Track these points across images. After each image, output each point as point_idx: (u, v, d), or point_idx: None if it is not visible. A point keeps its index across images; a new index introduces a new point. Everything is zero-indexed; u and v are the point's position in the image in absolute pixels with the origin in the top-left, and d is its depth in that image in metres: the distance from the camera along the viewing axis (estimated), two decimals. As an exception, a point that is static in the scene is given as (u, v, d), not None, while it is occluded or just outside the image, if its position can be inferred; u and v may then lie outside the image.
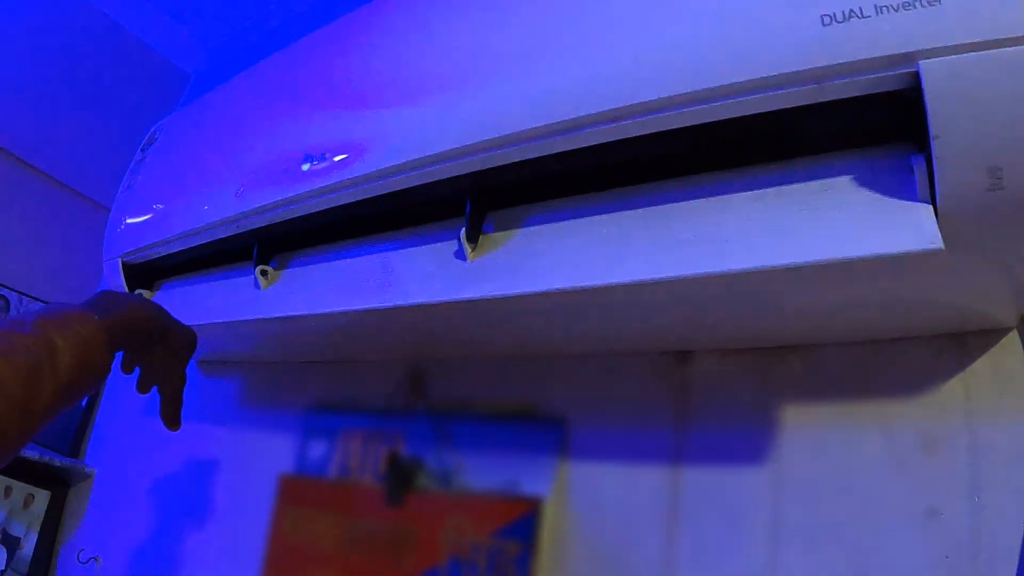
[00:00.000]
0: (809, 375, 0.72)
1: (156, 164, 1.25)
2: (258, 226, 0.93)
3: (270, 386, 1.26)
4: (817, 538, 0.66)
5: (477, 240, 0.70)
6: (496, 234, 0.70)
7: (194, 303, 1.10)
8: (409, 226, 0.80)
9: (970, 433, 0.63)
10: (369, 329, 0.87)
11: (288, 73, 0.97)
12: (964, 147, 0.45)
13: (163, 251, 1.16)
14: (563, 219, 0.67)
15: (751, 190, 0.57)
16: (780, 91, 0.51)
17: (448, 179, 0.70)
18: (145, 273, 1.27)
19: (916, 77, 0.45)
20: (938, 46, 0.44)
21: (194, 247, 1.09)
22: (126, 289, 1.25)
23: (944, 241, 0.46)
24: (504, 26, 0.68)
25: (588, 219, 0.65)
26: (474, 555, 0.83)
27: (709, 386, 0.76)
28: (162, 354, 0.80)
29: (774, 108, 0.52)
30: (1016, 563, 0.58)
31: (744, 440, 0.72)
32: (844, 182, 0.53)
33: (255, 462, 1.19)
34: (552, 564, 0.78)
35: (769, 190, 0.57)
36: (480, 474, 0.87)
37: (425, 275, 0.72)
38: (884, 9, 0.46)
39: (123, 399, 1.62)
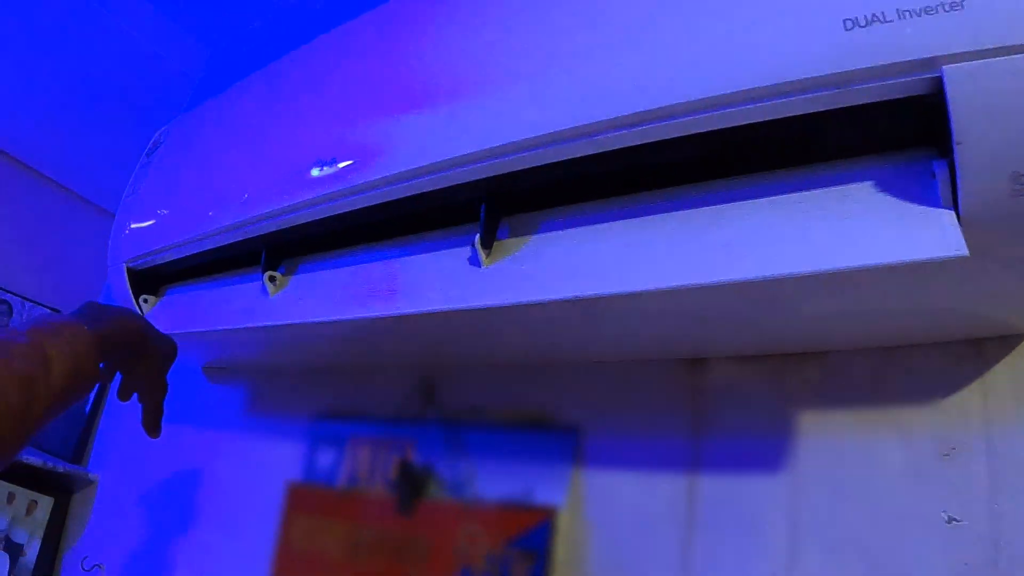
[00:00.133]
0: (826, 382, 0.71)
1: (161, 169, 1.25)
2: (266, 231, 0.92)
3: (277, 393, 1.25)
4: (835, 546, 0.65)
5: (491, 246, 0.70)
6: (511, 240, 0.70)
7: (200, 309, 1.10)
8: (421, 232, 0.80)
9: (988, 440, 0.63)
10: (379, 336, 0.87)
11: (298, 77, 0.97)
12: (988, 153, 0.45)
13: (168, 256, 1.16)
14: (579, 225, 0.66)
15: (771, 196, 0.57)
16: (801, 96, 0.50)
17: (462, 184, 0.70)
18: (150, 279, 1.26)
19: (939, 82, 0.45)
20: (961, 51, 0.44)
21: (200, 252, 1.09)
22: (131, 295, 1.25)
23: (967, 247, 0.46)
24: (521, 29, 0.68)
25: (605, 225, 0.65)
26: (487, 565, 0.82)
27: (725, 393, 0.76)
28: (145, 364, 0.81)
29: (795, 113, 0.52)
30: (1036, 570, 0.58)
31: (761, 447, 0.72)
32: (865, 188, 0.53)
33: (262, 469, 1.18)
34: (567, 574, 0.78)
35: (789, 196, 0.56)
36: (493, 483, 0.87)
37: (438, 282, 0.72)
38: (907, 14, 0.46)
39: (126, 406, 1.61)
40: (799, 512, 0.68)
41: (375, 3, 0.89)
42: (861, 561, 0.64)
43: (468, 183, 0.69)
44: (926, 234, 0.48)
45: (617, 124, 0.58)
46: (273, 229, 0.91)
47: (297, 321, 0.85)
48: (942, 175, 0.48)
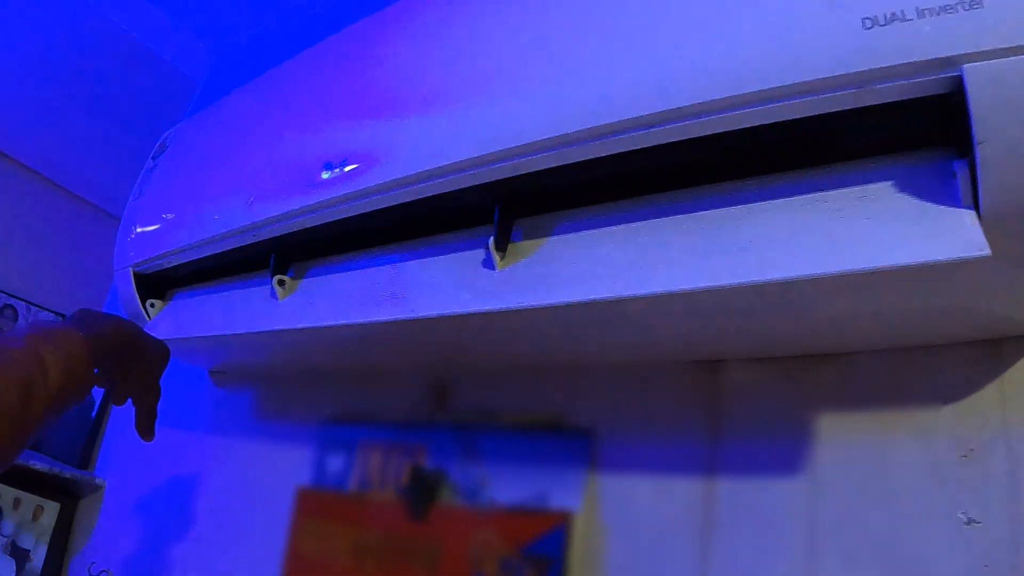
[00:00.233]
0: (843, 383, 0.71)
1: (168, 172, 1.25)
2: (276, 235, 0.93)
3: (286, 397, 1.25)
4: (855, 549, 0.65)
5: (506, 249, 0.70)
6: (525, 243, 0.70)
7: (208, 313, 1.10)
8: (433, 235, 0.80)
9: (1007, 440, 0.62)
10: (390, 340, 0.87)
11: (307, 79, 0.97)
12: (1009, 152, 0.45)
13: (176, 261, 1.16)
14: (594, 227, 0.66)
15: (789, 197, 0.57)
16: (820, 96, 0.50)
17: (476, 186, 0.70)
18: (157, 283, 1.27)
19: (959, 81, 0.45)
20: (982, 50, 0.44)
21: (208, 256, 1.09)
22: (138, 299, 1.25)
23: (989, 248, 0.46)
24: (535, 30, 0.67)
25: (620, 227, 0.65)
26: (501, 571, 0.82)
27: (741, 395, 0.76)
28: (138, 369, 0.83)
29: (813, 113, 0.52)
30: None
31: (778, 450, 0.71)
32: (884, 188, 0.53)
33: (271, 475, 1.18)
34: (583, 579, 0.78)
35: (808, 197, 0.56)
36: (507, 487, 0.87)
37: (451, 285, 0.72)
38: (927, 12, 0.45)
39: (133, 410, 1.61)
40: (817, 515, 0.68)
41: (383, 4, 0.90)
42: (880, 563, 0.64)
43: (482, 185, 0.69)
44: (947, 234, 0.47)
45: (633, 125, 0.58)
46: (282, 233, 0.91)
47: (307, 325, 0.85)
48: (963, 174, 0.48)
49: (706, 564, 0.71)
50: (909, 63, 0.46)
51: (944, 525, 0.62)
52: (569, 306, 0.62)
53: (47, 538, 1.63)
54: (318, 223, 0.85)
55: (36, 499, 1.66)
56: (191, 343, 1.13)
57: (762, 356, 0.76)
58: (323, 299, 0.87)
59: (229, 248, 1.02)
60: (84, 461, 1.72)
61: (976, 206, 0.47)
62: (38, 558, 1.62)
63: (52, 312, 2.02)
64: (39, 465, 1.58)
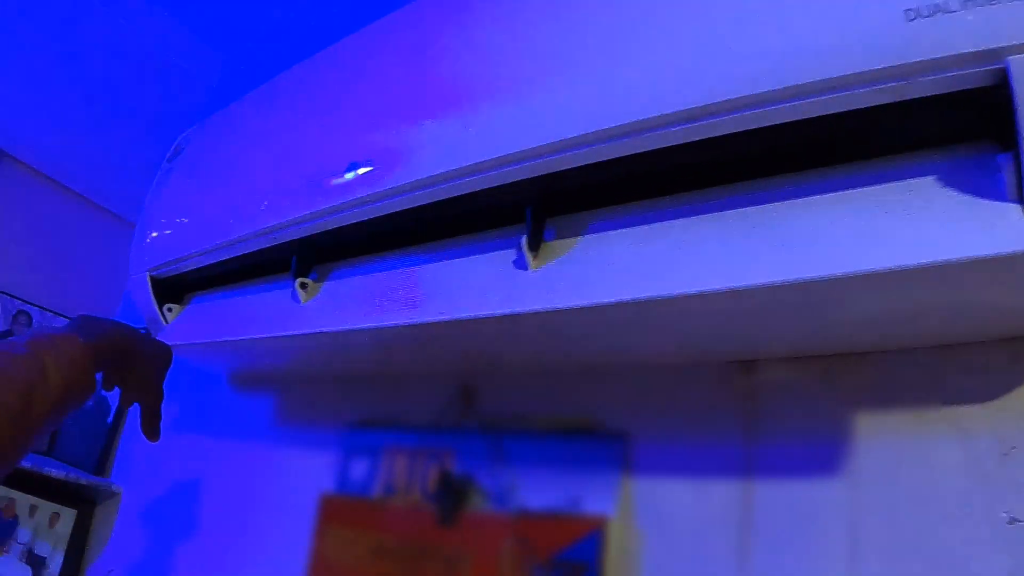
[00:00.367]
0: (881, 382, 0.70)
1: (184, 175, 1.25)
2: (298, 237, 0.93)
3: (306, 402, 1.25)
4: (897, 551, 0.65)
5: (538, 249, 0.70)
6: (558, 242, 0.70)
7: (228, 318, 1.10)
8: (461, 235, 0.80)
9: (1050, 437, 0.62)
10: (417, 343, 0.87)
11: (329, 78, 0.97)
12: (1055, 145, 0.44)
13: (193, 264, 1.16)
14: (629, 225, 0.66)
15: (830, 193, 0.57)
16: (861, 89, 0.50)
17: (507, 185, 0.69)
18: (174, 287, 1.27)
19: (1004, 74, 0.45)
20: (1027, 42, 0.43)
21: (227, 259, 1.09)
22: (155, 303, 1.25)
23: (1035, 242, 0.45)
24: (566, 25, 0.67)
25: (658, 225, 0.64)
26: (536, 577, 0.82)
27: (777, 395, 0.75)
28: (140, 372, 0.86)
29: (854, 107, 0.52)
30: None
31: (816, 451, 0.71)
32: (927, 183, 0.52)
33: (293, 481, 1.18)
34: (620, 585, 0.78)
35: (849, 192, 0.56)
36: (538, 492, 0.86)
37: (482, 287, 0.72)
38: (970, 3, 0.45)
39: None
40: (858, 516, 0.67)
41: (400, 4, 0.90)
42: (922, 564, 0.63)
43: (513, 184, 0.69)
44: (993, 229, 0.47)
45: (670, 121, 0.58)
46: (305, 234, 0.91)
47: (331, 329, 0.85)
48: (1008, 168, 0.47)
49: (745, 568, 0.71)
50: (953, 55, 0.46)
51: (986, 524, 0.62)
52: (607, 307, 0.62)
53: (63, 545, 1.64)
54: (342, 224, 0.85)
55: (52, 506, 1.66)
56: (210, 347, 1.14)
57: (797, 355, 0.76)
58: (348, 302, 0.87)
59: (249, 251, 1.02)
60: (100, 468, 1.73)
61: (1021, 200, 0.47)
62: (55, 565, 1.63)
63: (66, 317, 2.03)
64: (55, 472, 1.59)
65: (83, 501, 1.68)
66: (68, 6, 1.81)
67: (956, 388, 0.66)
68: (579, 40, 0.65)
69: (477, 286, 0.72)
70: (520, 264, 0.70)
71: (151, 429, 0.90)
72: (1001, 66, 0.45)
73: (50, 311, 2.01)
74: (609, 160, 0.64)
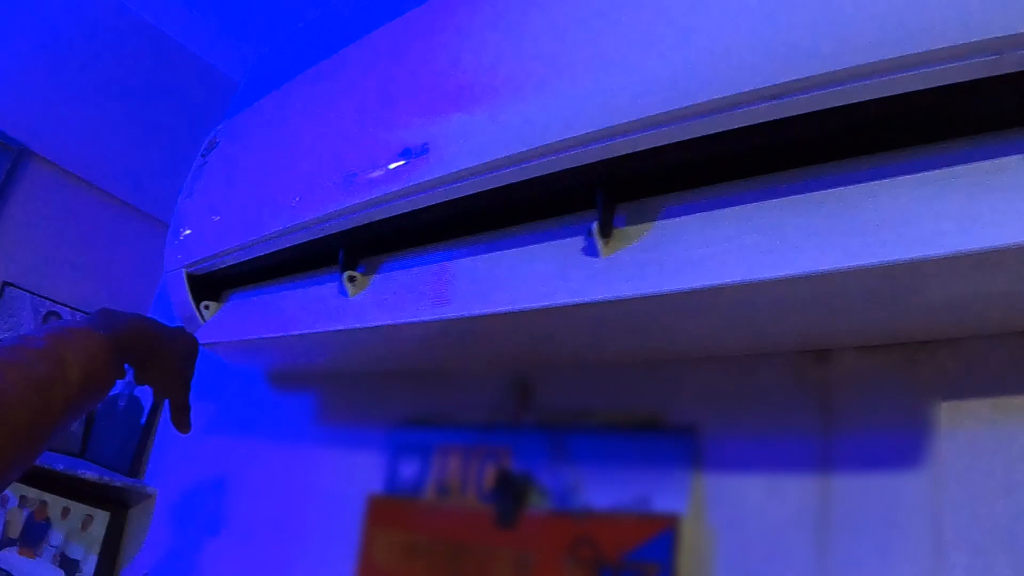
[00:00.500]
0: (962, 370, 0.67)
1: (219, 169, 1.23)
2: (345, 228, 0.90)
3: (350, 400, 1.23)
4: (983, 544, 0.62)
5: (610, 235, 0.67)
6: (630, 228, 0.67)
7: (269, 314, 1.08)
8: (522, 223, 0.77)
9: None
10: (475, 336, 0.84)
11: (376, 62, 0.94)
12: None
13: (232, 260, 1.14)
14: (706, 210, 0.64)
15: (919, 172, 0.54)
16: (953, 64, 0.47)
17: (577, 168, 0.67)
18: (211, 284, 1.25)
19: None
20: None
21: (267, 255, 1.07)
22: (192, 302, 1.23)
23: None
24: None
25: (737, 209, 0.62)
26: (604, 579, 0.79)
27: (853, 386, 0.72)
28: (164, 365, 0.86)
29: (945, 83, 0.49)
30: None
31: (897, 442, 0.68)
32: (1020, 161, 0.50)
33: (338, 482, 1.16)
34: (695, 585, 0.75)
35: (939, 172, 0.53)
36: (603, 491, 0.83)
37: (550, 275, 0.69)
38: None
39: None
40: (941, 509, 0.64)
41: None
42: (1009, 556, 0.60)
43: (584, 167, 0.66)
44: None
45: (752, 99, 0.55)
46: (352, 226, 0.89)
47: (384, 323, 0.83)
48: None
49: (825, 565, 0.68)
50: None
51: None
52: (683, 294, 0.59)
53: (97, 548, 1.63)
54: (395, 214, 0.83)
55: (85, 508, 1.66)
56: (249, 345, 1.11)
57: (872, 344, 0.73)
58: (400, 295, 0.84)
59: (292, 244, 1.00)
60: (134, 469, 1.72)
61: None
62: (88, 569, 1.62)
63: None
64: (88, 474, 1.58)
65: (116, 503, 1.67)
66: (92, 5, 1.80)
67: (1041, 375, 0.63)
68: (654, 14, 0.62)
69: (545, 276, 0.70)
70: (590, 251, 0.67)
71: (181, 421, 0.90)
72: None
73: (81, 311, 2.01)
74: (684, 141, 0.61)
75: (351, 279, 0.92)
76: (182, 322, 1.28)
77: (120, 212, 2.18)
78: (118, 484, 1.61)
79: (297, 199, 0.95)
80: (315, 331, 0.93)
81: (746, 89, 0.55)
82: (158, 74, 1.99)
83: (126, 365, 0.81)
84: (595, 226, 0.65)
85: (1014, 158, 0.50)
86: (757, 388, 0.77)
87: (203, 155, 1.31)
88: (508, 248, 0.76)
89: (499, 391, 0.98)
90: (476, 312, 0.72)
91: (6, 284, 1.97)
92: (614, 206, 0.68)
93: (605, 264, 0.65)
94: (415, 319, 0.79)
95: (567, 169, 0.67)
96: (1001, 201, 0.49)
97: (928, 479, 0.66)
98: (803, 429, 0.73)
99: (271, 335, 1.02)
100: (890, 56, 0.49)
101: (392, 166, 0.80)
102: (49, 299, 1.97)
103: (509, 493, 0.90)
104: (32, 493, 1.67)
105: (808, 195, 0.58)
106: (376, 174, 0.82)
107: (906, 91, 0.50)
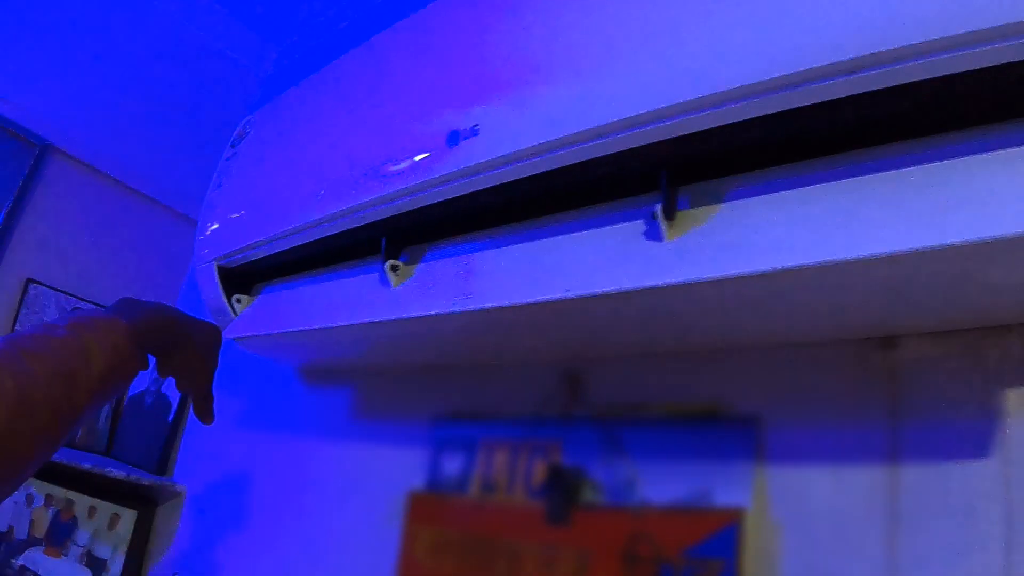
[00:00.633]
0: (1032, 355, 0.66)
1: (251, 159, 1.22)
2: (388, 216, 0.89)
3: (388, 395, 1.21)
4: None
5: (673, 218, 0.65)
6: (694, 210, 0.65)
7: (305, 307, 1.07)
8: (578, 207, 0.75)
9: None
10: (522, 327, 0.82)
11: (419, 43, 0.92)
12: None
13: (265, 251, 1.13)
14: (769, 191, 0.62)
15: (1002, 149, 0.52)
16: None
17: (638, 149, 0.65)
18: (243, 276, 1.24)
19: None
20: None
21: (302, 245, 1.06)
22: (223, 296, 1.22)
23: None
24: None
25: (803, 190, 0.60)
26: (663, 576, 0.77)
27: (921, 373, 0.70)
28: (187, 354, 0.86)
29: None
30: None
31: (967, 430, 0.66)
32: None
33: (376, 478, 1.14)
34: (761, 581, 0.73)
35: (1015, 150, 0.52)
36: (661, 485, 0.81)
37: (608, 261, 0.67)
38: None
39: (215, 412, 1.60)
40: (1014, 498, 0.63)
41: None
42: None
43: (646, 146, 0.64)
44: None
45: (829, 72, 0.53)
46: (396, 212, 0.88)
47: (428, 313, 0.81)
48: None
49: (894, 558, 0.66)
50: None
51: None
52: (756, 277, 0.57)
53: (124, 547, 1.63)
54: (440, 199, 0.81)
55: (112, 507, 1.66)
56: (283, 339, 1.10)
57: (939, 329, 0.71)
58: (445, 283, 0.83)
59: (330, 233, 0.99)
60: (162, 466, 1.71)
61: None
62: (115, 568, 1.61)
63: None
64: (115, 472, 1.57)
65: (144, 501, 1.66)
66: (116, 2, 1.81)
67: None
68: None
69: (605, 261, 0.68)
70: (653, 235, 0.66)
71: (204, 411, 0.90)
72: None
73: (105, 308, 2.01)
74: (752, 119, 0.59)
75: (394, 268, 0.90)
76: (212, 316, 1.27)
77: (144, 207, 2.18)
78: (146, 482, 1.61)
79: (336, 187, 0.94)
80: (356, 322, 0.92)
81: (821, 64, 0.53)
82: (181, 68, 2.00)
83: (149, 356, 0.81)
84: (659, 208, 0.64)
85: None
86: (820, 377, 0.75)
87: (233, 145, 1.30)
88: (562, 234, 0.75)
89: (548, 383, 0.96)
90: (531, 300, 0.70)
91: (30, 281, 1.98)
92: (676, 189, 0.67)
93: (670, 248, 0.64)
94: (463, 308, 0.77)
95: (629, 149, 0.65)
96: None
97: (998, 467, 0.64)
98: (869, 418, 0.71)
99: (308, 328, 1.01)
100: (981, 27, 0.47)
101: (439, 151, 0.79)
102: (74, 295, 1.98)
103: (560, 489, 0.88)
104: (58, 492, 1.67)
105: (882, 174, 0.57)
106: (422, 158, 0.81)
107: (989, 64, 0.49)
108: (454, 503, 1.00)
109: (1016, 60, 0.48)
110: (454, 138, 0.77)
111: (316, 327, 0.99)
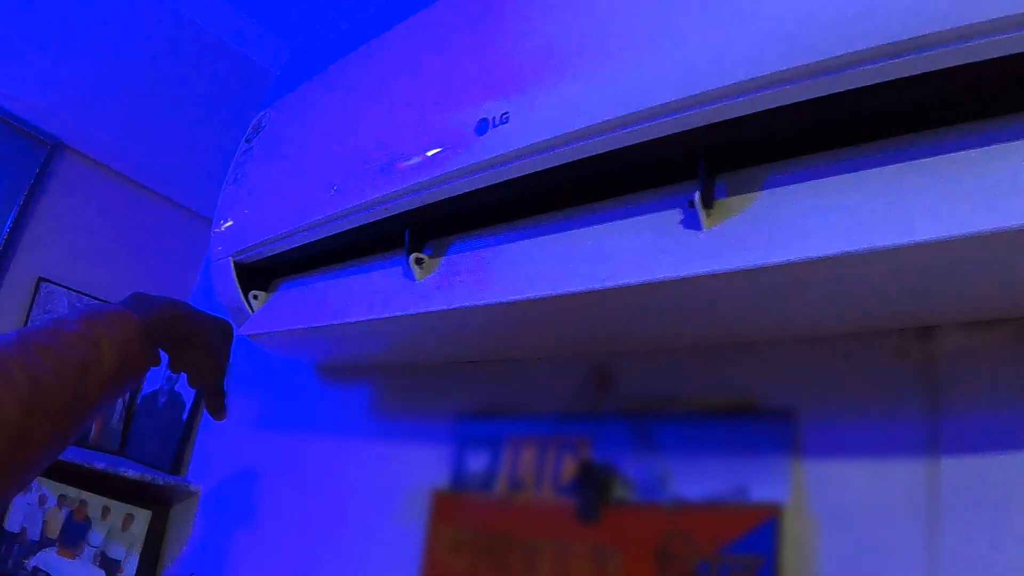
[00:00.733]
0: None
1: (267, 153, 1.22)
2: (412, 208, 0.88)
3: (409, 392, 1.20)
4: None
5: (711, 206, 0.64)
6: (732, 199, 0.65)
7: (324, 302, 1.06)
8: (610, 197, 0.75)
9: None
10: (550, 320, 0.82)
11: (444, 29, 0.91)
12: None
13: (282, 247, 1.13)
14: (808, 179, 0.61)
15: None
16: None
17: (674, 135, 0.64)
18: (259, 272, 1.24)
19: None
20: None
21: (321, 239, 1.05)
22: (240, 292, 1.22)
23: None
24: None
25: (843, 177, 0.60)
26: (701, 574, 0.76)
27: (960, 364, 0.70)
28: (199, 349, 0.87)
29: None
30: None
31: (1009, 422, 0.66)
32: None
33: (398, 477, 1.13)
34: (800, 577, 0.72)
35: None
36: (695, 480, 0.80)
37: (644, 250, 0.67)
38: None
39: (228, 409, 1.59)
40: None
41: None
42: None
43: (684, 133, 0.64)
44: None
45: (869, 57, 0.53)
46: (419, 205, 0.87)
47: (455, 306, 0.80)
48: None
49: (935, 553, 0.66)
50: None
51: None
52: (798, 265, 0.57)
53: (138, 548, 1.63)
54: (468, 190, 0.80)
55: (125, 507, 1.66)
56: (303, 335, 1.10)
57: (976, 319, 0.70)
58: (472, 276, 0.82)
59: (351, 227, 0.98)
60: (176, 466, 1.71)
61: None
62: (130, 569, 1.62)
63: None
64: (129, 472, 1.57)
65: (158, 501, 1.67)
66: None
67: None
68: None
69: (641, 250, 0.67)
70: (691, 223, 0.65)
71: (216, 407, 0.91)
72: None
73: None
74: (793, 104, 0.58)
75: (418, 261, 0.90)
76: (228, 313, 1.27)
77: (156, 205, 2.18)
78: (160, 482, 1.61)
79: (359, 179, 0.93)
80: (380, 317, 0.91)
81: (863, 48, 0.53)
82: (192, 65, 2.00)
83: (161, 352, 0.82)
84: (697, 197, 0.63)
85: None
86: (857, 369, 0.74)
87: (248, 140, 1.30)
88: (594, 224, 0.74)
89: (575, 378, 0.96)
90: (563, 291, 0.69)
91: (42, 280, 1.98)
92: (714, 176, 0.66)
93: (709, 236, 0.63)
94: (492, 301, 0.76)
95: (666, 136, 0.64)
96: None
97: (1041, 460, 0.63)
98: (908, 410, 0.71)
99: (330, 323, 1.00)
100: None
101: (467, 139, 0.78)
102: (86, 294, 1.98)
103: (591, 485, 0.88)
104: (71, 492, 1.67)
105: (926, 160, 0.56)
106: (449, 147, 0.80)
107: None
108: (480, 501, 1.00)
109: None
110: (483, 126, 0.76)
111: (338, 322, 0.98)
